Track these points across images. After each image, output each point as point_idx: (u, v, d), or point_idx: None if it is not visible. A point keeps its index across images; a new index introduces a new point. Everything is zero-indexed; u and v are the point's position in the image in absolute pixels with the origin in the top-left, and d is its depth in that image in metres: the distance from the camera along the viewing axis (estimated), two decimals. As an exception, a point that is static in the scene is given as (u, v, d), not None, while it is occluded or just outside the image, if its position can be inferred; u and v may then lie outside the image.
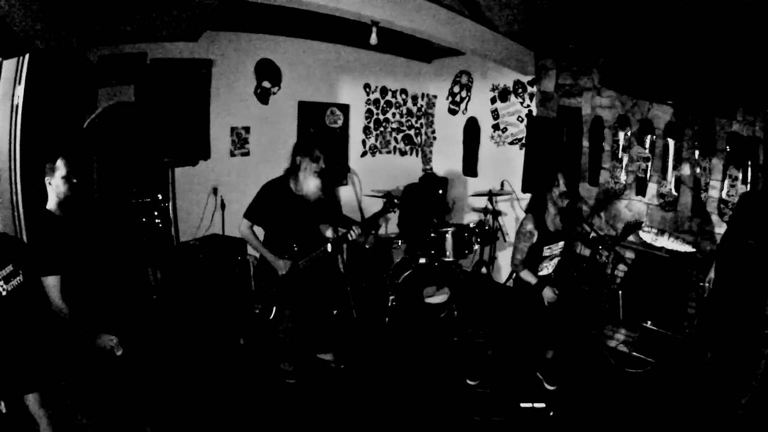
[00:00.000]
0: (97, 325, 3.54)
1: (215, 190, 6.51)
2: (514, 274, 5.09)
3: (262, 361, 5.35)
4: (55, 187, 3.43)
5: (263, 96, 7.03)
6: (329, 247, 4.76)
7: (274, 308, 4.86)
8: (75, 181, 3.48)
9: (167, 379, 4.83)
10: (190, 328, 5.70)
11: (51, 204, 3.45)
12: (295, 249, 4.73)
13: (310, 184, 4.64)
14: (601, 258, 4.84)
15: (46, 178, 3.43)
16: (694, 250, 6.42)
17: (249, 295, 6.15)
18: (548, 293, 4.85)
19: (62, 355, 3.31)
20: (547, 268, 5.08)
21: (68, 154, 3.51)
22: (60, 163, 3.42)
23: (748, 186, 6.06)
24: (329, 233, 5.13)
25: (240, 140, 6.81)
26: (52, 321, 3.32)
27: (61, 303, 3.34)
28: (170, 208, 5.92)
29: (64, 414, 3.32)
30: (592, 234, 6.37)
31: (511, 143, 8.30)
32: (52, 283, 3.32)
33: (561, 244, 5.05)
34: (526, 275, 4.89)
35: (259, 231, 4.74)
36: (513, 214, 8.11)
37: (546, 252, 4.95)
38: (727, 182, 6.34)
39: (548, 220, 4.92)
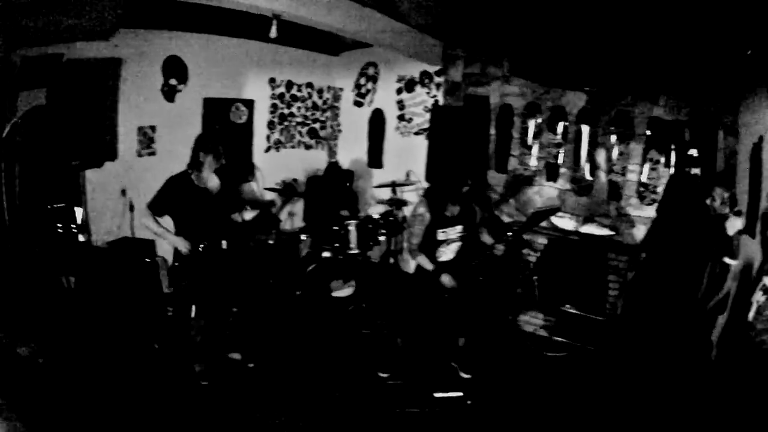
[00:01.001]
0: (17, 334, 3.67)
1: (123, 192, 6.55)
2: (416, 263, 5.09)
3: (177, 364, 5.27)
4: None
5: (170, 94, 7.10)
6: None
7: (194, 306, 5.01)
8: None
9: (85, 384, 4.74)
10: (103, 334, 5.63)
11: None
12: (202, 246, 4.86)
13: (213, 179, 4.90)
14: (497, 250, 5.13)
15: None
16: (612, 233, 6.68)
17: (160, 297, 6.23)
18: (446, 280, 4.90)
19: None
20: (445, 254, 5.10)
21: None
22: None
23: (672, 169, 6.38)
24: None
25: (147, 140, 6.87)
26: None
27: None
28: (82, 212, 5.96)
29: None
30: (505, 219, 6.76)
31: (417, 133, 8.62)
32: None
33: (459, 228, 5.07)
34: (423, 261, 4.96)
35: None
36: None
37: (441, 236, 4.98)
38: (647, 166, 6.64)
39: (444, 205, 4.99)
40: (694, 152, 5.95)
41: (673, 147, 6.50)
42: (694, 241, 5.33)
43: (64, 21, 5.42)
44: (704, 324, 5.26)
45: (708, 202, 4.96)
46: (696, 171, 6.00)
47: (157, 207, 4.76)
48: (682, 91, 6.37)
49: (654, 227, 6.18)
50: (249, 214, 5.35)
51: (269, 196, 7.59)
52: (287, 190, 5.93)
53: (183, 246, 4.77)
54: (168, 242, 4.85)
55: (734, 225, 4.83)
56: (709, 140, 6.24)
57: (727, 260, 4.88)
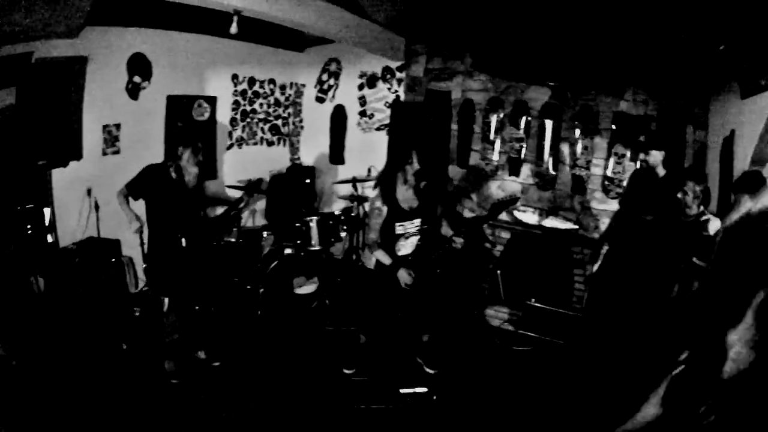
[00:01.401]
0: None
1: (89, 191, 6.58)
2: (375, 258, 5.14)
3: (145, 364, 5.34)
4: None
5: (134, 91, 7.10)
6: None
7: (166, 300, 5.17)
8: None
9: (56, 386, 4.81)
10: (73, 335, 5.65)
11: None
12: (181, 240, 5.03)
13: (191, 172, 5.05)
14: (456, 243, 5.19)
15: None
16: (576, 227, 6.91)
17: (126, 297, 6.32)
18: (402, 275, 4.90)
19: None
20: (404, 248, 5.13)
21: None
22: None
23: (637, 163, 6.46)
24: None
25: (111, 138, 6.88)
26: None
27: None
28: (49, 212, 5.99)
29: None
30: (465, 215, 6.89)
31: (378, 129, 8.86)
32: None
33: (417, 221, 5.09)
34: (381, 255, 5.00)
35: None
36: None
37: (399, 230, 5.02)
38: (612, 160, 6.85)
39: (399, 197, 4.98)
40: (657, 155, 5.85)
41: (640, 140, 6.62)
42: (662, 236, 5.46)
43: (33, 21, 5.41)
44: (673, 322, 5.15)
45: (680, 196, 5.00)
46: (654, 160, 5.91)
47: (133, 189, 4.96)
48: (650, 84, 6.54)
49: (616, 219, 6.33)
50: (219, 210, 5.48)
51: (232, 193, 7.60)
52: (252, 189, 6.06)
53: (134, 226, 4.94)
54: (126, 218, 4.95)
55: (715, 225, 4.83)
56: (677, 134, 6.45)
57: (696, 260, 4.79)
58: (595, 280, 6.38)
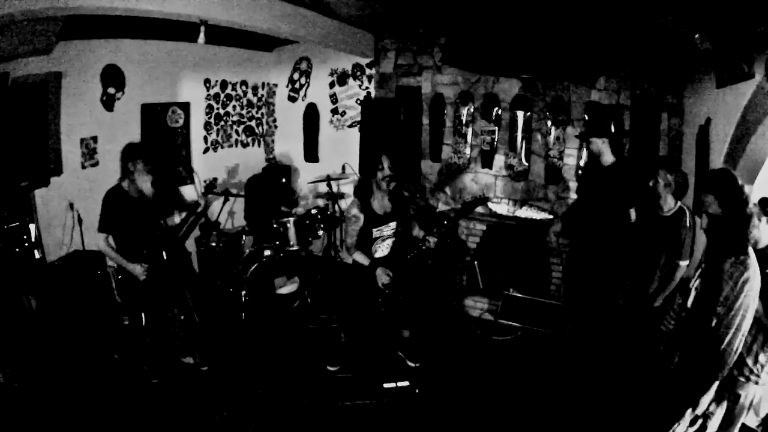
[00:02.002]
0: None
1: (71, 205, 6.65)
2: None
3: (134, 372, 5.46)
4: None
5: (108, 103, 7.20)
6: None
7: (143, 314, 5.30)
8: None
9: (55, 403, 4.92)
10: (66, 349, 5.77)
11: None
12: (144, 253, 5.12)
13: (146, 184, 5.05)
14: (429, 243, 5.35)
15: None
16: (551, 217, 7.12)
17: (114, 308, 6.43)
18: (380, 274, 5.17)
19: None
20: (381, 250, 5.42)
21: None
22: None
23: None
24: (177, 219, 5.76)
25: (89, 151, 6.98)
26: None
27: None
28: (35, 230, 6.10)
29: None
30: (437, 212, 7.02)
31: (350, 126, 9.07)
32: None
33: (392, 224, 5.40)
34: (359, 257, 5.25)
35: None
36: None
37: (376, 234, 5.31)
38: (585, 150, 6.95)
39: (375, 204, 5.28)
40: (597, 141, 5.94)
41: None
42: (618, 228, 5.72)
43: (7, 43, 5.51)
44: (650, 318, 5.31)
45: (651, 184, 4.99)
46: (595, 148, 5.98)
47: (106, 226, 5.01)
48: (623, 73, 6.68)
49: (573, 210, 6.64)
50: (177, 218, 5.70)
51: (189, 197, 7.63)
52: (207, 190, 6.25)
53: (140, 273, 5.07)
54: (128, 269, 5.07)
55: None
56: (651, 122, 6.60)
57: (679, 262, 4.91)
58: (567, 273, 6.76)
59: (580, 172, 7.06)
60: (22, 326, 5.66)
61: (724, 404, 3.97)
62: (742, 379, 3.83)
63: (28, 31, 5.65)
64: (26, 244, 6.02)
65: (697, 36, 4.91)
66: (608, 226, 5.83)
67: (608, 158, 5.87)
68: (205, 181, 6.36)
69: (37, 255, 6.14)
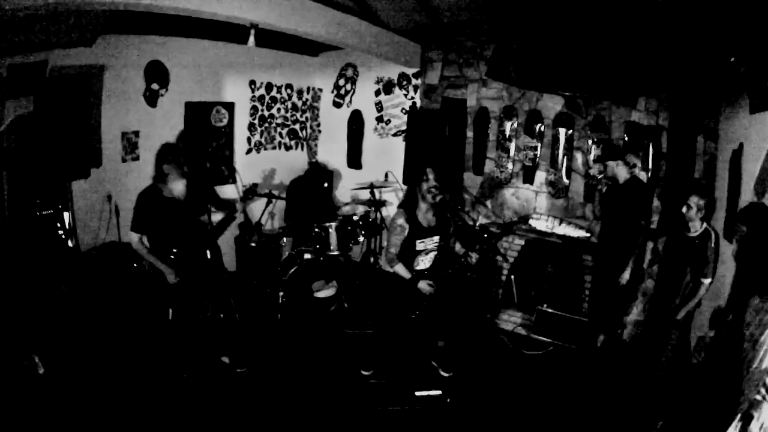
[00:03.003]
0: (20, 344, 3.87)
1: (109, 198, 6.74)
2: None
3: (164, 366, 5.44)
4: None
5: (152, 99, 7.26)
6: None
7: (170, 310, 5.30)
8: None
9: (94, 394, 4.93)
10: (94, 338, 5.77)
11: None
12: (174, 253, 5.15)
13: (178, 187, 5.04)
14: (471, 258, 5.34)
15: None
16: (588, 235, 7.07)
17: (148, 301, 6.25)
18: (424, 286, 5.16)
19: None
20: (423, 263, 5.38)
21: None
22: None
23: (649, 173, 6.74)
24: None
25: (130, 145, 7.03)
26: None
27: None
28: (70, 218, 6.12)
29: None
30: (478, 224, 6.93)
31: (395, 135, 9.00)
32: None
33: (436, 238, 5.35)
34: (400, 270, 5.19)
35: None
36: (397, 204, 8.68)
37: (419, 246, 5.25)
38: (625, 169, 6.69)
39: (420, 215, 5.23)
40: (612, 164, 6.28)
41: (650, 151, 6.82)
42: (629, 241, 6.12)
43: (47, 32, 5.55)
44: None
45: (684, 210, 5.24)
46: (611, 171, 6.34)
47: (139, 226, 5.04)
48: (662, 94, 6.65)
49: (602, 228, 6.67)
50: (216, 216, 5.63)
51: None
52: (247, 193, 6.23)
53: (171, 277, 5.09)
54: (160, 269, 5.08)
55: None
56: (687, 145, 6.53)
57: (703, 280, 5.22)
58: (592, 288, 6.85)
59: (603, 191, 7.03)
60: (53, 313, 5.63)
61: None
62: (758, 397, 3.70)
63: (69, 22, 5.69)
64: (60, 232, 6.05)
65: (732, 59, 5.00)
66: (623, 239, 6.17)
67: (623, 177, 6.26)
68: (244, 186, 6.34)
69: (70, 243, 6.17)
